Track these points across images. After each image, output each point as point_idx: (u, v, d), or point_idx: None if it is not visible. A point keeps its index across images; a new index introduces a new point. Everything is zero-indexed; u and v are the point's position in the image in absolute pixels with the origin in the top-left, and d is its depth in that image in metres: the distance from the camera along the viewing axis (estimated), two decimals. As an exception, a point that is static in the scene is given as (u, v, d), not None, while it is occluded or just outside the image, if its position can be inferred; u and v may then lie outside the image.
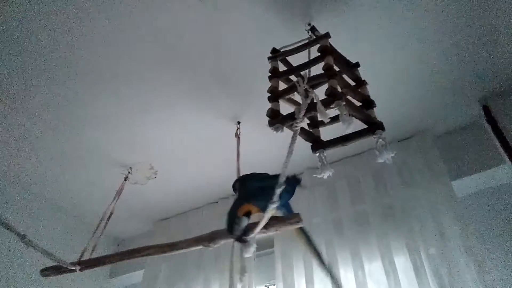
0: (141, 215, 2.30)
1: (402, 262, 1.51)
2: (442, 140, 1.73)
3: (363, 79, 1.15)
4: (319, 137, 1.11)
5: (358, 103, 1.07)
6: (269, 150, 1.77)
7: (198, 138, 1.77)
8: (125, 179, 1.89)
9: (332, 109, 0.96)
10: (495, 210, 1.55)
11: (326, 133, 1.13)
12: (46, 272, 1.56)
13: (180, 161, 1.90)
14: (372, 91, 1.14)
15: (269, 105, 1.08)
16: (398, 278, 1.46)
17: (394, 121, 1.70)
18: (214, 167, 1.93)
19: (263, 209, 0.99)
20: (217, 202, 2.16)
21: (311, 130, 1.13)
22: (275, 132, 1.03)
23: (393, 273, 1.47)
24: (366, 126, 1.03)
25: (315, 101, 0.92)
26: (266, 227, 1.24)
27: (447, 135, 1.75)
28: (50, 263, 1.55)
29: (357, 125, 1.03)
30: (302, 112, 0.94)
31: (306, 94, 0.90)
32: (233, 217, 1.01)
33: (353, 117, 0.98)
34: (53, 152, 1.83)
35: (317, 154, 1.08)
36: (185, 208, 2.25)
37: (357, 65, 1.17)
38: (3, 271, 1.87)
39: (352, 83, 1.13)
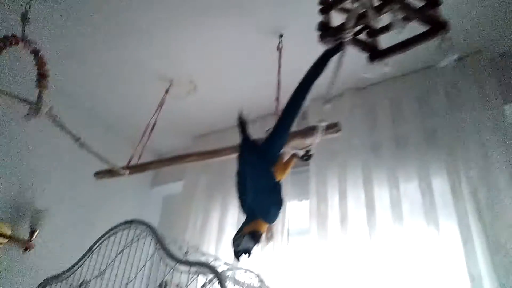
0: (181, 130, 2.38)
1: (439, 184, 1.51)
2: (498, 62, 1.61)
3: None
4: (376, 46, 1.04)
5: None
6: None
7: (237, 52, 1.73)
8: (166, 92, 1.92)
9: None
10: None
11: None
12: (100, 174, 1.69)
13: (220, 76, 1.89)
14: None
15: (316, 16, 1.04)
16: (434, 198, 1.47)
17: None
18: (253, 83, 1.91)
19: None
20: (254, 120, 2.17)
21: (369, 40, 1.06)
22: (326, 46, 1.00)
23: (429, 194, 1.48)
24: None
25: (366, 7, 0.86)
26: (303, 136, 1.25)
27: (504, 57, 1.62)
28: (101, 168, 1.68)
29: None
30: (352, 21, 0.89)
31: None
32: (236, 234, 1.00)
33: (408, 21, 0.91)
34: (101, 66, 1.87)
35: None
36: (223, 126, 2.29)
37: None
38: (60, 172, 2.03)
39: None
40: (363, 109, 1.80)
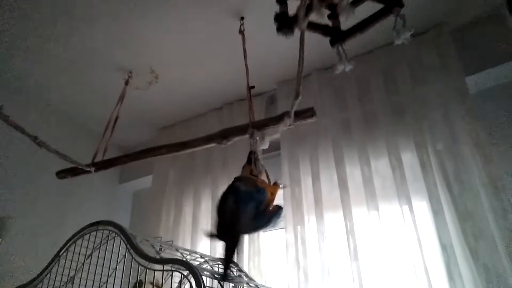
0: (145, 123, 2.29)
1: (408, 158, 1.53)
2: (458, 34, 1.63)
3: None
4: (338, 28, 1.01)
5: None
6: (277, 45, 1.68)
7: (199, 37, 1.66)
8: (126, 84, 1.82)
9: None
10: (507, 105, 1.51)
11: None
12: (62, 174, 1.59)
13: (182, 63, 1.81)
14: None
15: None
16: (404, 172, 1.49)
17: (408, 13, 1.58)
18: (217, 69, 1.85)
19: None
20: (221, 108, 2.13)
21: (329, 22, 1.03)
22: (286, 38, 0.97)
23: (399, 168, 1.50)
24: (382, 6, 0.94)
25: None
26: (276, 123, 1.24)
27: (464, 28, 1.64)
28: (64, 167, 1.58)
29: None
30: (302, 11, 0.87)
31: None
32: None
33: (354, 8, 0.91)
34: (53, 57, 1.74)
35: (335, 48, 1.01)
36: (189, 115, 2.22)
37: None
38: (20, 175, 1.90)
39: None
40: (331, 89, 1.78)
